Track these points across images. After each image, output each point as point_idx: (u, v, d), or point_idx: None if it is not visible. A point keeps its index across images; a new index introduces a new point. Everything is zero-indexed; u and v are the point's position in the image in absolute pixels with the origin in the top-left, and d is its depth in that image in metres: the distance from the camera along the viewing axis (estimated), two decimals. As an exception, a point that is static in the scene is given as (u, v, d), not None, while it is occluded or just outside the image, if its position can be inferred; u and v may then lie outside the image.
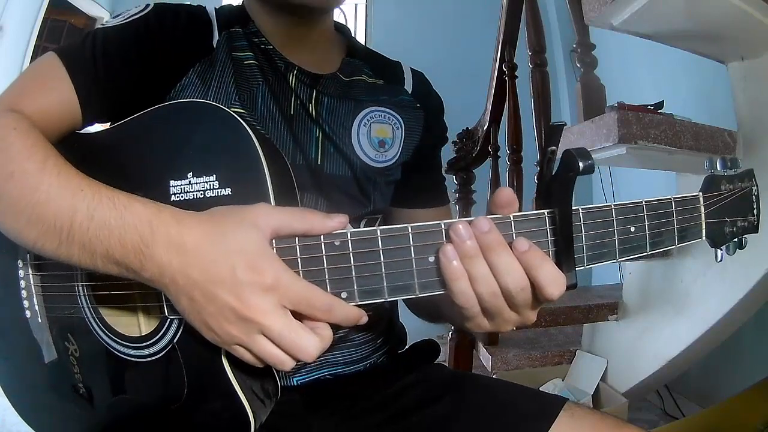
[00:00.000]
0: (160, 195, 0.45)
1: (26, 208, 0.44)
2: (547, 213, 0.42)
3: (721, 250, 0.50)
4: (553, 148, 0.41)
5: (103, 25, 0.59)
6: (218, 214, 0.42)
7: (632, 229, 0.44)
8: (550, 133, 0.42)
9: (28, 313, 0.57)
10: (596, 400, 1.62)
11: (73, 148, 0.53)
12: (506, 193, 0.42)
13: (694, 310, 1.34)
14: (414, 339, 0.77)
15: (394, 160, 0.68)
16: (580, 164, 0.39)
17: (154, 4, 0.61)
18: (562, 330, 1.88)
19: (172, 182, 0.46)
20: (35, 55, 2.83)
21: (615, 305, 1.61)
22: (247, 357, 0.42)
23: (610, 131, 1.14)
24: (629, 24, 1.12)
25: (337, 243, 0.42)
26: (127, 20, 0.58)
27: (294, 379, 0.63)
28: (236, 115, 0.47)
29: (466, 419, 0.59)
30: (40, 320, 0.57)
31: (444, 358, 1.81)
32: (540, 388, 1.68)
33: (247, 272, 0.39)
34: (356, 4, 3.89)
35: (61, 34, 3.31)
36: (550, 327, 1.68)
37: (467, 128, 2.07)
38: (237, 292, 0.39)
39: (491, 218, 0.41)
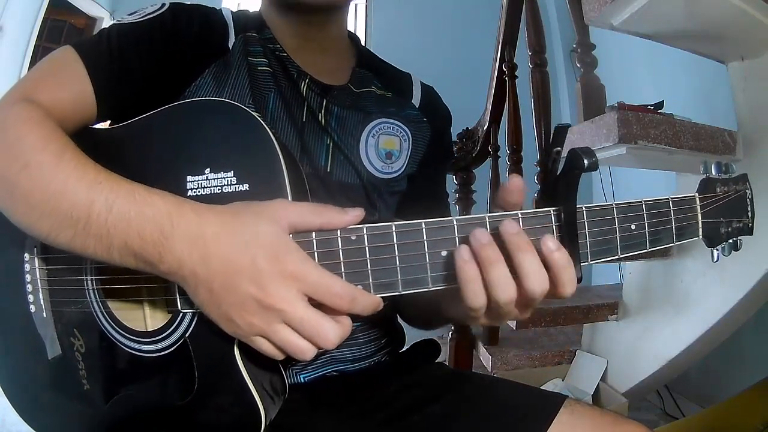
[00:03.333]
0: (177, 190, 0.45)
1: (41, 200, 0.43)
2: (553, 210, 0.43)
3: (717, 250, 0.51)
4: (558, 149, 0.43)
5: (119, 21, 0.59)
6: (237, 207, 0.42)
7: (633, 227, 0.46)
8: (556, 134, 0.43)
9: (32, 308, 0.57)
10: (596, 400, 1.62)
11: (89, 143, 0.52)
12: (517, 180, 0.43)
13: (694, 310, 1.34)
14: (414, 339, 0.77)
15: (399, 172, 0.69)
16: (585, 162, 0.40)
17: (170, 3, 0.60)
18: (562, 330, 1.88)
19: (189, 177, 0.47)
20: (35, 55, 2.83)
21: (615, 305, 1.61)
22: (266, 348, 0.42)
23: (610, 131, 1.14)
24: (629, 24, 1.12)
25: (353, 237, 0.43)
26: (144, 18, 0.58)
27: (301, 375, 0.64)
28: (252, 112, 0.47)
29: (466, 418, 0.59)
30: (44, 315, 0.56)
31: (444, 358, 1.81)
32: (540, 388, 1.68)
33: (268, 261, 0.39)
34: (356, 5, 3.89)
35: (61, 34, 3.31)
36: (550, 327, 1.68)
37: (467, 128, 2.07)
38: (258, 281, 0.39)
39: (499, 214, 0.42)
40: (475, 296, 0.41)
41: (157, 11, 0.59)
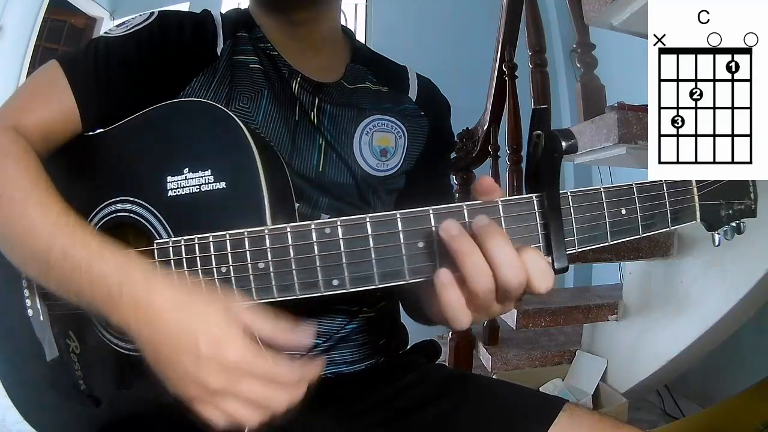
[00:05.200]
0: (158, 191, 0.47)
1: (11, 234, 0.47)
2: (536, 196, 0.42)
3: (719, 234, 0.49)
4: (539, 132, 0.41)
5: (106, 33, 0.59)
6: (192, 287, 0.43)
7: (623, 211, 0.44)
8: (535, 117, 0.42)
9: (30, 312, 0.58)
10: (596, 400, 1.62)
11: (74, 148, 0.55)
12: (487, 181, 0.42)
13: (694, 310, 1.34)
14: (414, 339, 0.77)
15: (395, 169, 0.68)
16: (563, 144, 0.39)
17: (159, 12, 0.60)
18: (562, 330, 1.88)
19: (169, 178, 0.48)
20: (35, 55, 2.84)
21: (615, 305, 1.61)
22: (208, 414, 0.41)
23: (610, 131, 1.14)
24: (629, 24, 1.12)
25: (327, 230, 0.42)
26: (131, 30, 0.58)
27: None
28: (227, 110, 0.48)
29: (465, 419, 0.59)
30: (41, 318, 0.57)
31: (444, 358, 1.81)
32: (540, 388, 1.68)
33: (210, 346, 0.39)
34: (356, 4, 3.89)
35: (61, 34, 3.31)
36: (550, 327, 1.68)
37: (467, 128, 2.07)
38: (199, 365, 0.39)
39: (478, 203, 0.42)
40: (474, 267, 0.39)
41: (144, 22, 0.58)
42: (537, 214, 0.42)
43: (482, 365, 1.80)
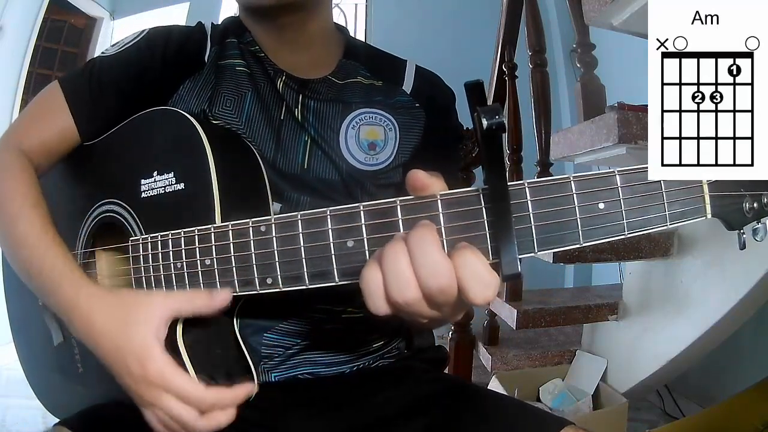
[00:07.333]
0: (134, 192, 0.53)
1: (7, 242, 0.56)
2: (482, 189, 0.37)
3: (744, 234, 0.39)
4: (476, 113, 0.34)
5: (102, 53, 0.64)
6: (124, 299, 0.49)
7: (601, 206, 0.36)
8: (468, 93, 0.35)
9: (40, 301, 0.63)
10: (596, 400, 1.62)
11: (72, 157, 0.62)
12: (419, 176, 0.38)
13: (694, 310, 1.34)
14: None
15: (387, 163, 0.66)
16: (484, 123, 0.32)
17: (148, 30, 0.64)
18: (562, 330, 1.88)
19: (142, 181, 0.53)
20: (35, 55, 2.84)
21: (615, 305, 1.61)
22: (154, 421, 0.48)
23: (610, 131, 1.14)
24: (629, 24, 1.12)
25: (262, 228, 0.43)
26: (121, 49, 0.63)
27: (272, 374, 0.62)
28: (189, 116, 0.51)
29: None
30: None
31: (444, 358, 1.81)
32: (540, 388, 1.69)
33: (136, 366, 0.46)
34: (356, 4, 3.89)
35: (61, 34, 3.30)
36: (550, 327, 1.68)
37: (467, 128, 2.06)
38: (134, 380, 0.47)
39: (413, 198, 0.38)
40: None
41: (134, 40, 0.63)
42: (484, 210, 0.36)
43: (482, 365, 1.80)
